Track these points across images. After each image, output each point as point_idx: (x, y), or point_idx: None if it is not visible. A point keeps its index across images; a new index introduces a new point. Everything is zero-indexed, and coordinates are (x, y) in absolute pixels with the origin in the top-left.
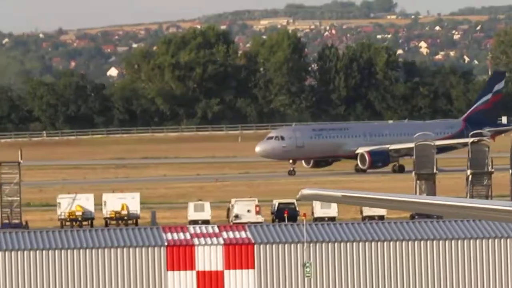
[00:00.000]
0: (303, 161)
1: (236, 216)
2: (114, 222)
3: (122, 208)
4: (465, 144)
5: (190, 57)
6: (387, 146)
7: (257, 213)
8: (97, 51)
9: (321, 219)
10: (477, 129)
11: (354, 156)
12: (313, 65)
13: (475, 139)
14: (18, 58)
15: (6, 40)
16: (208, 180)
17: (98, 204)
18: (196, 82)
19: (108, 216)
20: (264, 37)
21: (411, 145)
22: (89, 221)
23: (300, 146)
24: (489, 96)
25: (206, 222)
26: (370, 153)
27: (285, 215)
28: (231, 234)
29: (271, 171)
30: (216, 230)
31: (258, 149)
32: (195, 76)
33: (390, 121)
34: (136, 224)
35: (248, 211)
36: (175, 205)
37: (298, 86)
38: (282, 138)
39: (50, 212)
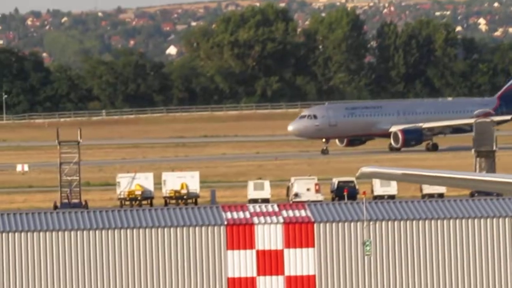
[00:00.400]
0: (337, 140)
1: (296, 195)
2: (173, 201)
3: (182, 187)
4: (499, 122)
5: (249, 35)
6: (420, 124)
7: (317, 191)
8: (156, 30)
9: (381, 197)
10: None
11: (387, 135)
12: (372, 43)
13: None
14: (77, 37)
15: (65, 19)
16: (267, 159)
17: (158, 183)
18: (255, 60)
19: (167, 195)
20: (323, 14)
21: (445, 123)
22: (149, 200)
23: (333, 124)
24: None
25: (265, 200)
26: (404, 131)
27: (345, 193)
28: (291, 213)
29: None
30: (276, 208)
31: (290, 128)
32: (254, 54)
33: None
34: (196, 203)
35: (308, 189)
36: (234, 184)
37: (357, 64)
38: (315, 116)
39: (110, 191)
